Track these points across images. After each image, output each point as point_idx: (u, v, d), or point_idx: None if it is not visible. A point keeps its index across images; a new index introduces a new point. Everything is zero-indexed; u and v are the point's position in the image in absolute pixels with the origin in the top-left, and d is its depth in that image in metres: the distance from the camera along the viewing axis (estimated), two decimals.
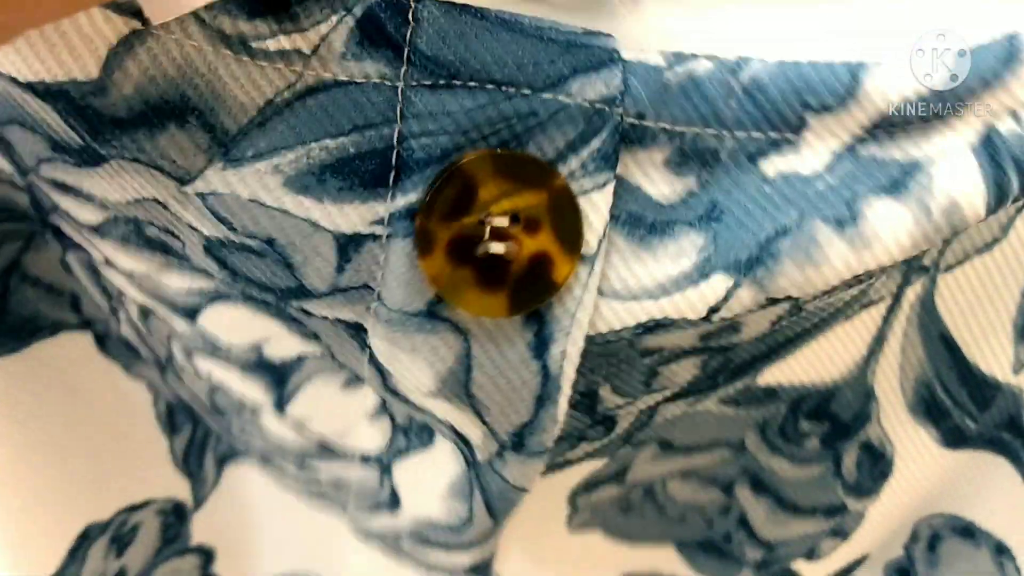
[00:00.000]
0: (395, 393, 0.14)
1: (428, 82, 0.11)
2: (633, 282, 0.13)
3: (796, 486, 0.19)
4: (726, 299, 0.13)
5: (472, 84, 0.11)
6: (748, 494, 0.20)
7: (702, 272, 0.13)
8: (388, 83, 0.11)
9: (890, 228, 0.13)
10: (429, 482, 0.15)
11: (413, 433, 0.15)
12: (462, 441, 0.14)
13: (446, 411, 0.14)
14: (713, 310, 0.13)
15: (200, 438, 0.18)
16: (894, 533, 0.22)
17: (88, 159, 0.12)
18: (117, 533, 0.19)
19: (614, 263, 0.13)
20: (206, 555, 0.20)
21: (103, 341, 0.16)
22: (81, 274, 0.15)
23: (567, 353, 0.13)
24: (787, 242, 0.13)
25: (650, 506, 0.20)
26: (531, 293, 0.12)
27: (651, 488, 0.19)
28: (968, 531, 0.21)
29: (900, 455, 0.19)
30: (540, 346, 0.13)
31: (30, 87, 0.11)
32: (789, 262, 0.13)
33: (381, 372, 0.13)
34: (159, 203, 0.12)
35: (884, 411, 0.18)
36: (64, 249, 0.15)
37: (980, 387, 0.17)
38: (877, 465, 0.19)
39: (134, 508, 0.19)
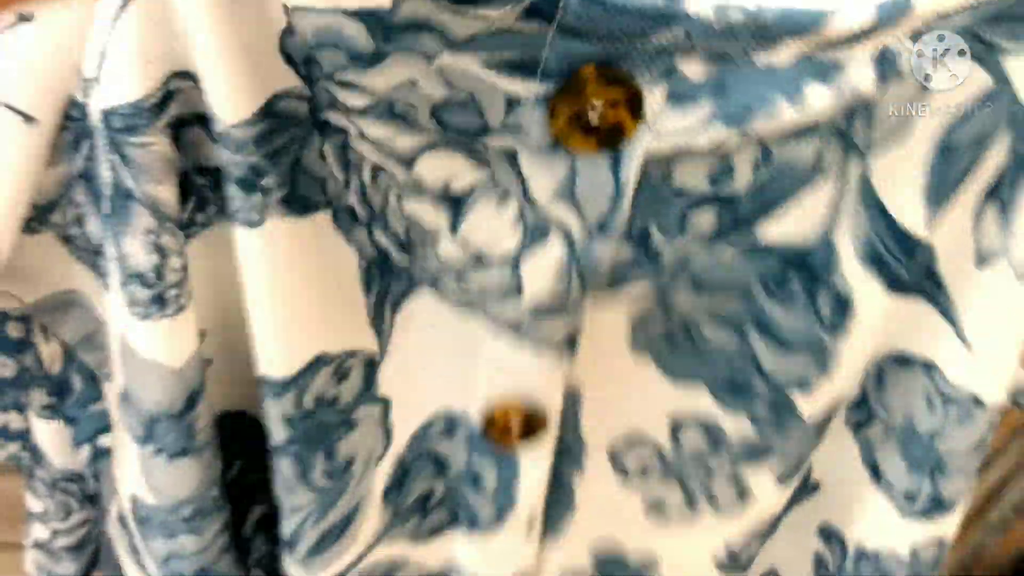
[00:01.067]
0: (529, 200, 0.22)
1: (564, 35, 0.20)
2: (670, 126, 0.21)
3: (788, 326, 0.27)
4: (723, 140, 0.22)
5: (595, 41, 0.20)
6: (755, 335, 0.27)
7: (709, 123, 0.21)
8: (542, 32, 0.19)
9: (818, 100, 0.21)
10: (543, 269, 0.23)
11: (537, 233, 0.23)
12: (566, 233, 0.23)
13: (559, 210, 0.22)
14: (714, 148, 0.22)
15: (382, 293, 0.27)
16: (856, 378, 0.29)
17: (372, 60, 0.20)
18: (340, 367, 0.26)
19: (660, 118, 0.21)
20: (385, 405, 0.29)
21: (336, 216, 0.25)
22: (331, 157, 0.23)
23: (631, 169, 0.21)
24: (759, 107, 0.21)
25: (688, 343, 0.28)
26: (611, 139, 0.21)
27: (687, 327, 0.27)
28: (904, 360, 0.28)
29: (858, 298, 0.26)
30: (615, 165, 0.21)
31: (353, 13, 0.19)
32: (758, 119, 0.21)
33: (524, 185, 0.22)
34: (411, 83, 0.21)
35: (843, 262, 0.26)
36: (323, 141, 0.23)
37: (905, 239, 0.25)
38: (842, 306, 0.27)
39: (350, 354, 0.27)
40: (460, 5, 0.18)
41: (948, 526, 0.30)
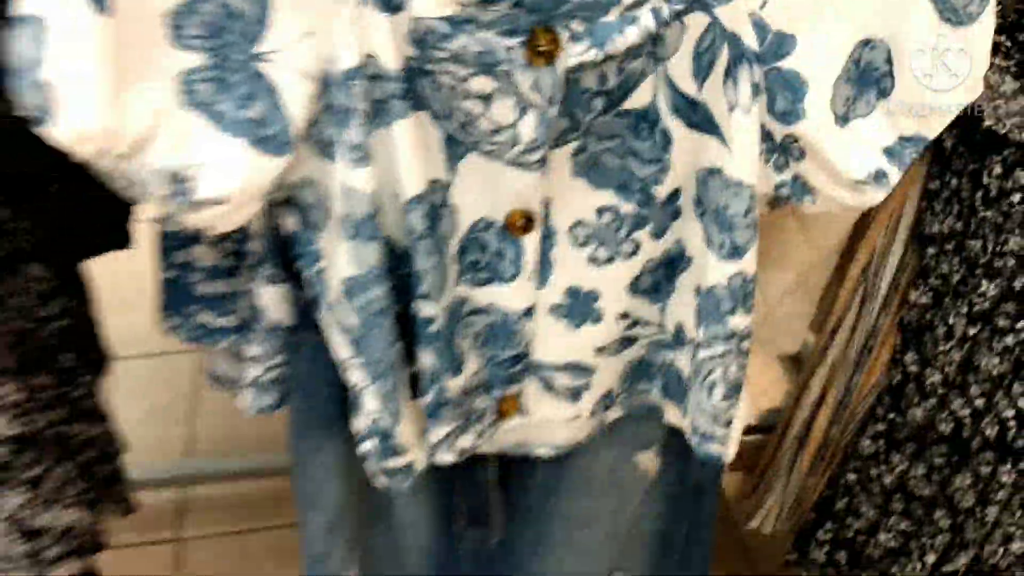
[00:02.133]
0: (519, 93, 0.49)
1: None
2: (572, 52, 0.49)
3: (643, 151, 0.56)
4: (595, 56, 0.50)
5: (539, 14, 0.48)
6: (630, 158, 0.55)
7: (588, 49, 0.48)
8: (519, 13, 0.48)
9: (632, 34, 0.48)
10: (529, 127, 0.50)
11: (524, 109, 0.50)
12: (537, 107, 0.51)
13: (533, 96, 0.49)
14: (593, 62, 0.50)
15: (451, 151, 0.53)
16: (688, 176, 0.56)
17: (448, 37, 0.47)
18: (435, 186, 0.53)
19: (568, 47, 0.49)
20: (454, 208, 0.56)
21: (431, 113, 0.51)
22: (427, 85, 0.50)
23: (560, 72, 0.48)
24: (607, 39, 0.48)
25: (599, 167, 0.55)
26: (550, 59, 0.48)
27: (597, 158, 0.56)
28: (711, 170, 0.56)
29: (674, 133, 0.54)
30: (553, 71, 0.48)
31: (440, 18, 0.48)
32: (608, 45, 0.48)
33: (516, 87, 0.49)
34: (464, 45, 0.47)
35: (663, 115, 0.54)
36: (425, 77, 0.51)
37: (687, 100, 0.53)
38: (666, 137, 0.55)
39: (435, 180, 0.54)
40: (487, 6, 0.47)
41: (744, 264, 0.54)
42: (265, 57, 0.48)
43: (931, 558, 0.86)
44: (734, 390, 0.61)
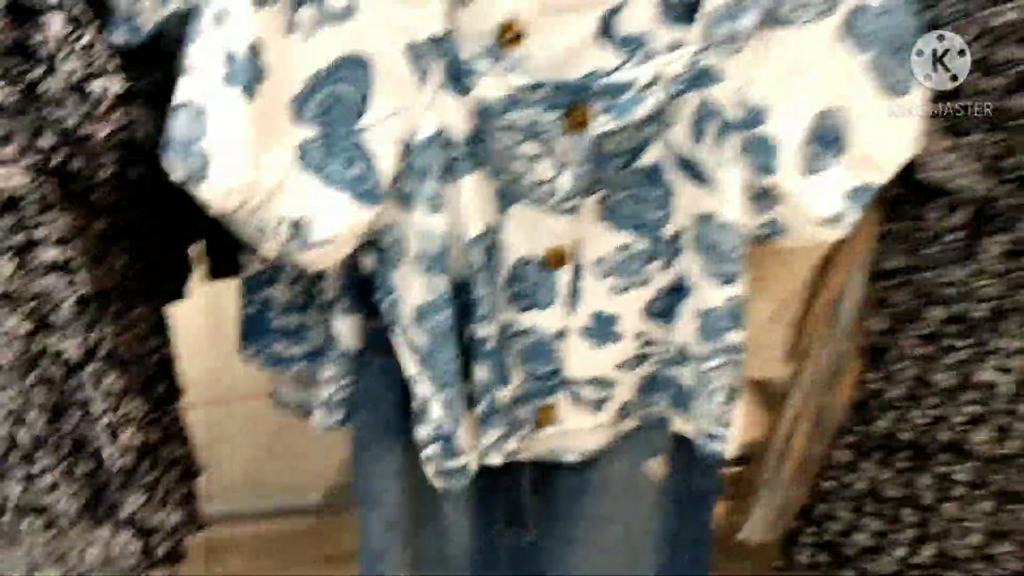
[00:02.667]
0: (557, 155, 0.63)
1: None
2: (599, 121, 0.63)
3: (653, 199, 0.69)
4: (616, 126, 0.64)
5: (574, 94, 0.63)
6: (643, 205, 0.69)
7: (611, 120, 0.62)
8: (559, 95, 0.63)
9: (642, 110, 0.63)
10: (567, 180, 0.63)
11: (563, 167, 0.64)
12: (573, 167, 0.65)
13: (570, 157, 0.62)
14: (614, 130, 0.64)
15: (502, 200, 0.67)
16: (688, 219, 0.69)
17: (504, 111, 0.63)
18: (489, 228, 0.68)
19: (596, 119, 0.64)
20: (502, 247, 0.70)
21: (488, 170, 0.65)
22: (488, 149, 0.65)
23: (591, 138, 0.62)
24: (627, 113, 0.63)
25: (618, 212, 0.68)
26: (584, 128, 0.64)
27: (618, 204, 0.68)
28: (708, 215, 0.70)
29: (677, 186, 0.68)
30: (587, 137, 0.63)
31: (503, 96, 0.62)
32: (627, 116, 0.62)
33: (556, 150, 0.63)
34: (518, 118, 0.63)
35: (667, 170, 0.69)
36: (486, 142, 0.65)
37: (686, 160, 0.68)
38: (668, 191, 0.68)
39: (491, 225, 0.69)
40: (534, 89, 0.62)
41: (737, 289, 0.65)
42: (363, 130, 0.62)
43: (901, 552, 0.99)
44: (732, 395, 0.74)
